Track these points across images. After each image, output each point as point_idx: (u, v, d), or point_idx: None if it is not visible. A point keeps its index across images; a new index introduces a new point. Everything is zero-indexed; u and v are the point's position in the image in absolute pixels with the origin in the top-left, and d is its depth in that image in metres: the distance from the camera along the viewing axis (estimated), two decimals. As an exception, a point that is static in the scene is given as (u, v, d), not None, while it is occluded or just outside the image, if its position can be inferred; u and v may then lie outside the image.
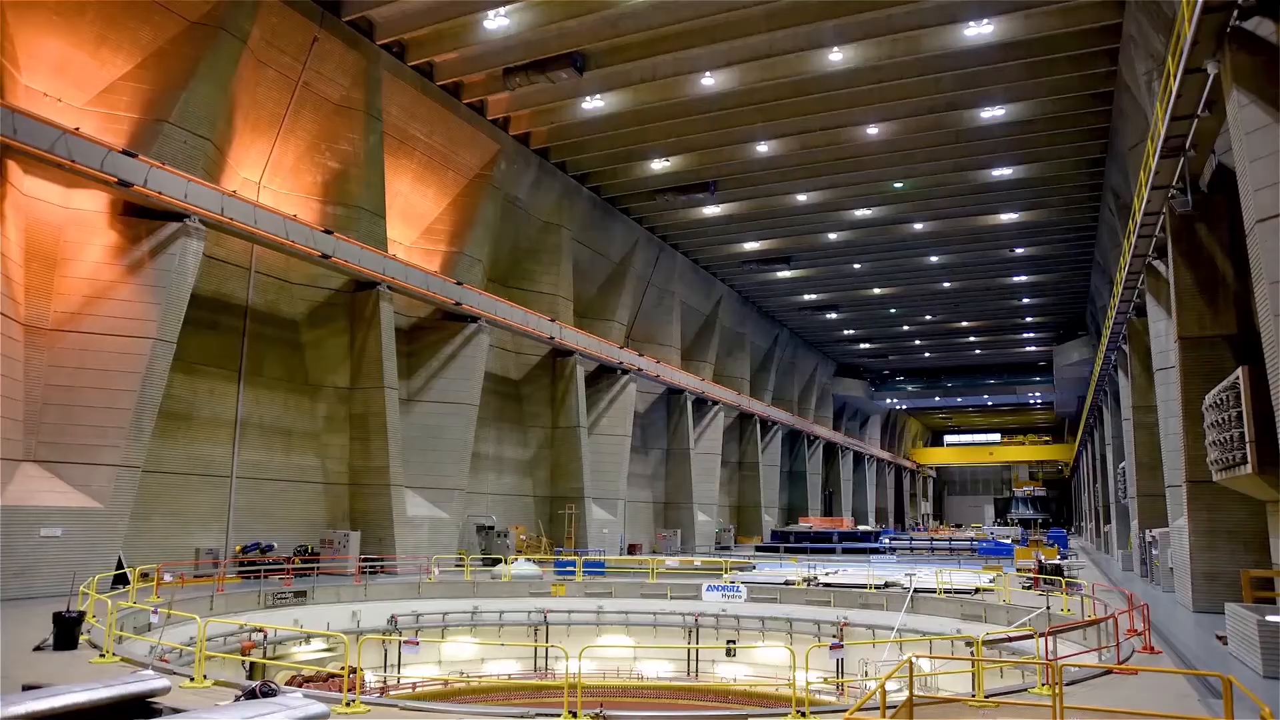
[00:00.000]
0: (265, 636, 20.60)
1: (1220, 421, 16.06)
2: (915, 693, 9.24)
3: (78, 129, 20.55)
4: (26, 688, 9.40)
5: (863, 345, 77.41)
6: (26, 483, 20.36)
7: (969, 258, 51.75)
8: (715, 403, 55.87)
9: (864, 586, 26.89)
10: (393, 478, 29.77)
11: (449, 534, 31.89)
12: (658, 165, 39.29)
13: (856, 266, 54.16)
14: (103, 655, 12.81)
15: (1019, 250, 49.81)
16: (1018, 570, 28.92)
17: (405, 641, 15.52)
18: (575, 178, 40.36)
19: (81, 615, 14.46)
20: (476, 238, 35.44)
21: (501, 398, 38.97)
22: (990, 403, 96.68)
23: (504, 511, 37.70)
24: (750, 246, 49.62)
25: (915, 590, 24.97)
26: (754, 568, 34.60)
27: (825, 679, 21.26)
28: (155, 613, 16.53)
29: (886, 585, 26.93)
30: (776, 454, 67.71)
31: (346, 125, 29.51)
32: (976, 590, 25.41)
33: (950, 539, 56.46)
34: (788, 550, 46.51)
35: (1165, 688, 11.43)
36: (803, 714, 10.39)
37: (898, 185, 40.59)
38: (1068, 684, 11.15)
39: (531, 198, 38.56)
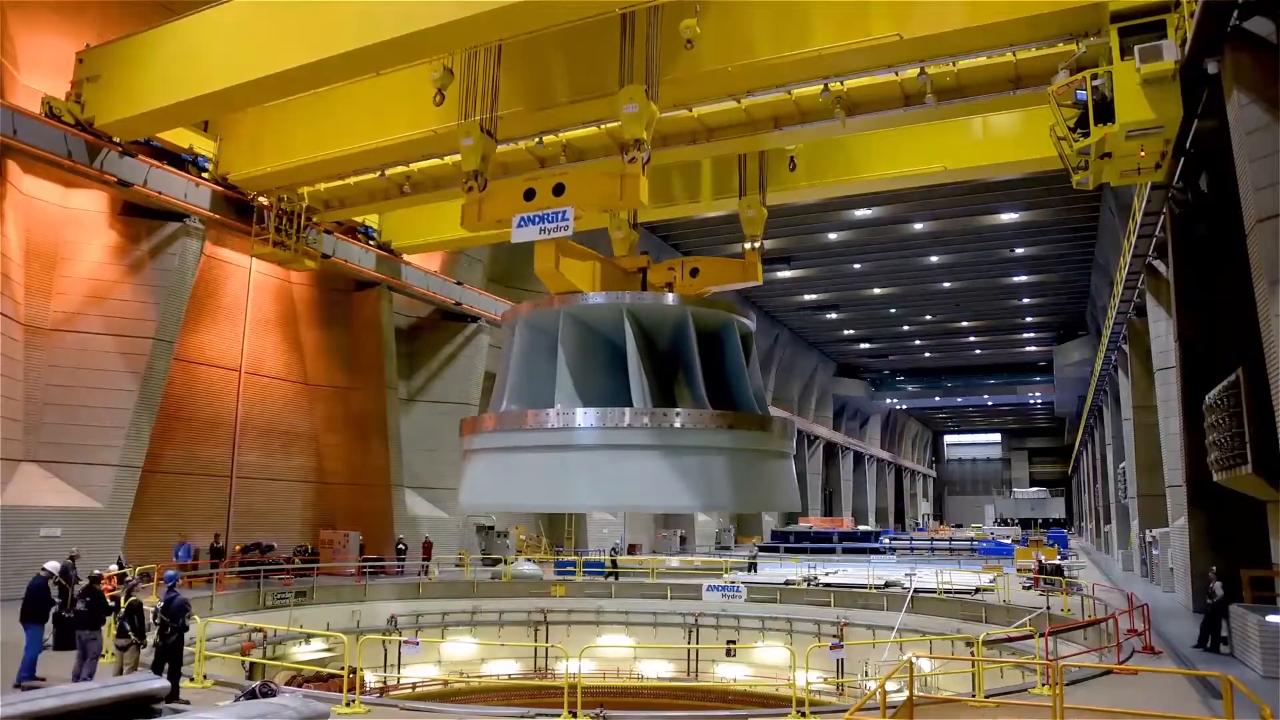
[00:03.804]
0: (265, 636, 20.61)
1: (1220, 421, 16.05)
2: (915, 693, 9.25)
3: (78, 128, 20.54)
4: (27, 688, 9.41)
5: (863, 345, 77.36)
6: (26, 483, 20.36)
7: (969, 258, 51.71)
8: (715, 403, 55.69)
9: (864, 586, 26.90)
10: (393, 478, 29.79)
11: (449, 534, 31.88)
12: (657, 165, 39.12)
13: (856, 266, 54.12)
14: (103, 655, 12.81)
15: (1019, 250, 49.79)
16: (1018, 570, 28.92)
17: (405, 641, 15.54)
18: (575, 177, 40.15)
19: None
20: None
21: (501, 398, 38.95)
22: (990, 403, 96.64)
23: (504, 512, 37.67)
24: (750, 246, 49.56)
25: (915, 590, 24.97)
26: (754, 568, 34.59)
27: (825, 679, 21.25)
28: (155, 613, 16.50)
29: (886, 585, 26.94)
30: (776, 454, 67.61)
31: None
32: (976, 590, 25.41)
33: (950, 539, 56.41)
34: (788, 550, 46.48)
35: (1165, 688, 11.44)
36: (803, 714, 10.39)
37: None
38: (1068, 684, 11.15)
39: (531, 198, 38.42)
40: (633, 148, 14.19)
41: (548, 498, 11.94)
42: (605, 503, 11.50)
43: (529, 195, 14.39)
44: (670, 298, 14.43)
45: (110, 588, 15.17)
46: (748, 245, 18.83)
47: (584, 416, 11.20)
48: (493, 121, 16.53)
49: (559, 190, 14.13)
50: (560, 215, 14.08)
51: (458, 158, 17.11)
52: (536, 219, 14.30)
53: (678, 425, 12.38)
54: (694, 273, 17.31)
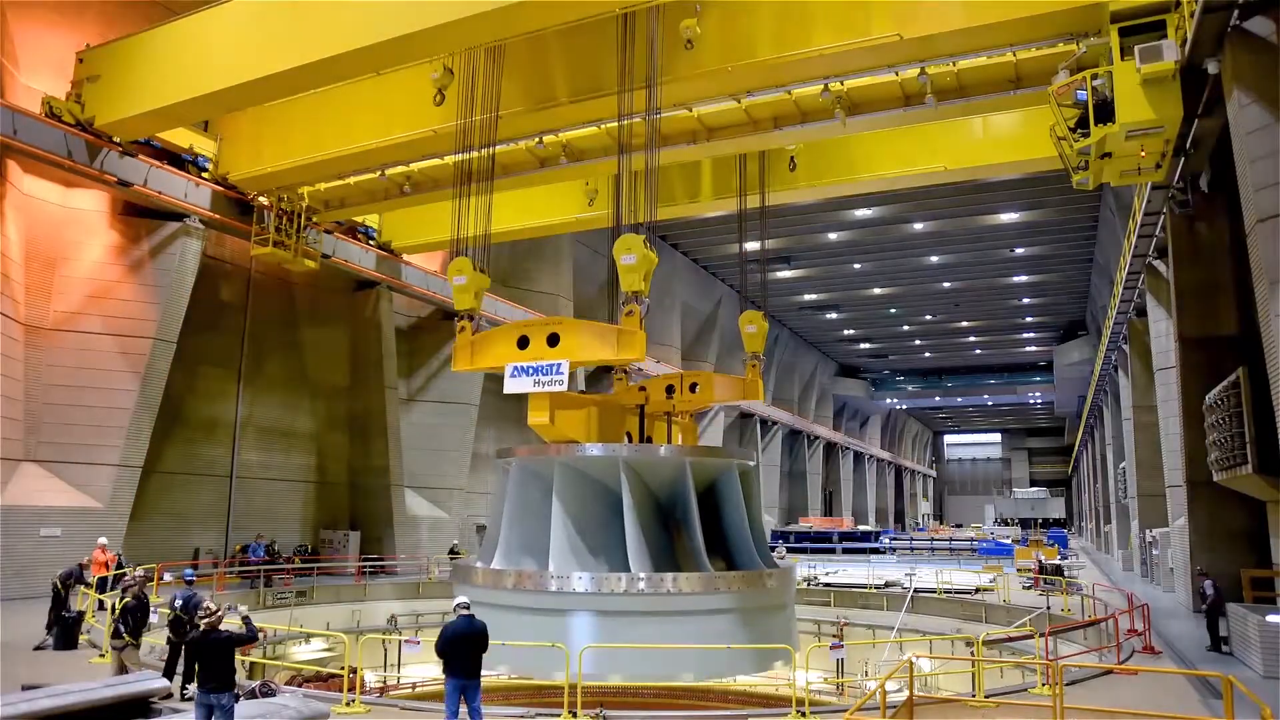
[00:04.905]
0: (265, 636, 20.60)
1: (1220, 421, 16.05)
2: (915, 693, 9.25)
3: (78, 128, 20.55)
4: (26, 688, 9.41)
5: (863, 345, 77.37)
6: (26, 483, 20.35)
7: (969, 258, 51.72)
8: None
9: (864, 586, 26.90)
10: (393, 478, 29.79)
11: (449, 534, 31.90)
12: (657, 165, 39.05)
13: (856, 266, 54.14)
14: (103, 655, 12.82)
15: (1019, 250, 49.80)
16: (1018, 570, 28.93)
17: (405, 641, 15.50)
18: (575, 177, 40.10)
19: (81, 615, 14.49)
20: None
21: (501, 397, 38.90)
22: (990, 403, 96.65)
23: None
24: (751, 246, 49.53)
25: (915, 590, 24.98)
26: None
27: (825, 679, 21.24)
28: (155, 613, 16.51)
29: (886, 585, 26.94)
30: (776, 454, 67.64)
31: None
32: (976, 590, 25.42)
33: (950, 539, 56.41)
34: (788, 550, 46.51)
35: (1165, 688, 11.44)
36: (803, 714, 10.39)
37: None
38: (1068, 684, 11.15)
39: (531, 198, 38.40)
40: (630, 299, 13.55)
41: (540, 665, 11.39)
42: (602, 672, 11.09)
43: (522, 343, 13.86)
44: (664, 450, 14.21)
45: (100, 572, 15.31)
46: (749, 361, 18.62)
47: (579, 581, 10.73)
48: (493, 123, 16.51)
49: (553, 340, 13.65)
50: (555, 368, 13.54)
51: (458, 158, 17.07)
52: (531, 370, 13.66)
53: (673, 591, 12.22)
54: (693, 388, 17.18)
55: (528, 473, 14.18)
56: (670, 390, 17.23)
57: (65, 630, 13.94)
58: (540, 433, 14.33)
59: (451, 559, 29.11)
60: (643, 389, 16.59)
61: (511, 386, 13.70)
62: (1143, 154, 14.39)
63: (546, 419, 13.74)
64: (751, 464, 15.06)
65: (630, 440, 15.97)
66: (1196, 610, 18.65)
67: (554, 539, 12.67)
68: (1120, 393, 35.43)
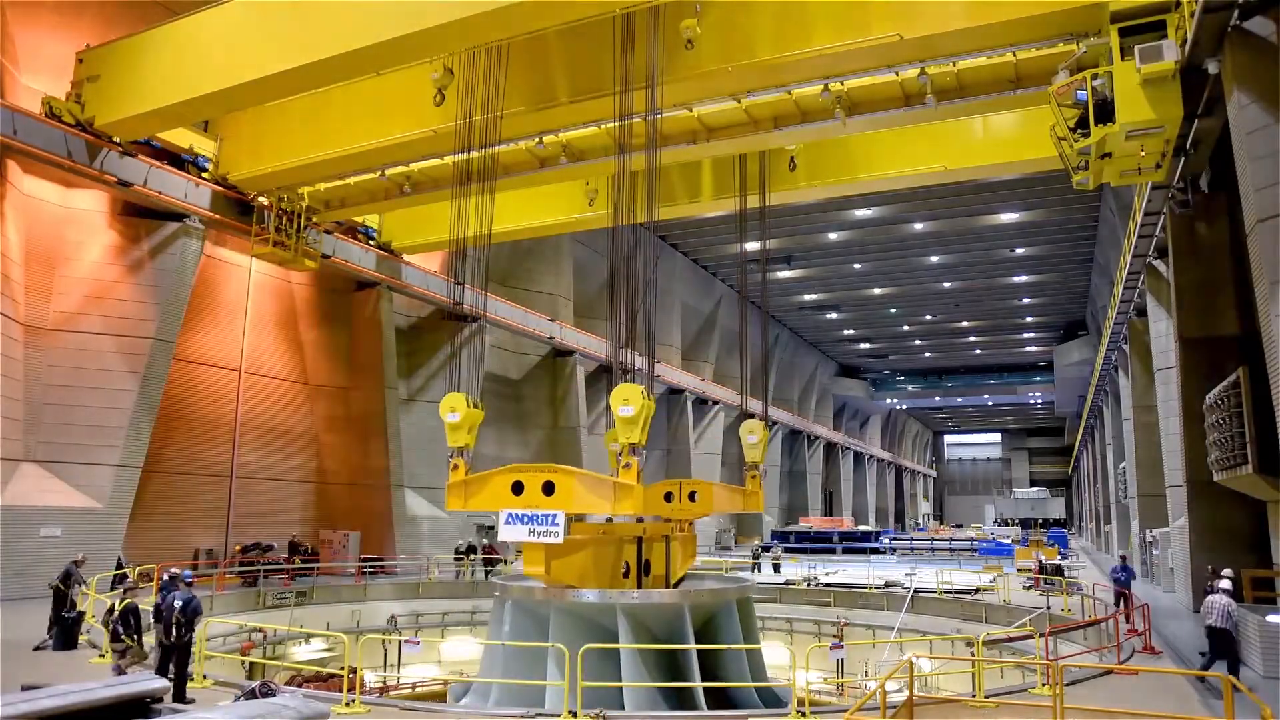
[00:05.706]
0: (265, 636, 20.61)
1: (1220, 421, 16.05)
2: (915, 693, 9.25)
3: (78, 128, 20.55)
4: (26, 688, 9.41)
5: (863, 345, 77.37)
6: (26, 483, 20.35)
7: (969, 258, 51.72)
8: (715, 402, 55.86)
9: (864, 586, 26.89)
10: (393, 478, 29.79)
11: (449, 534, 31.88)
12: (657, 165, 39.04)
13: (856, 266, 54.14)
14: (102, 655, 12.82)
15: (1019, 250, 49.80)
16: (1018, 570, 28.93)
17: (406, 641, 15.49)
18: (575, 178, 40.08)
19: (81, 615, 14.49)
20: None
21: (501, 398, 38.96)
22: (990, 403, 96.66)
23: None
24: (751, 246, 49.58)
25: (915, 590, 24.97)
26: (778, 568, 34.63)
27: (825, 679, 21.23)
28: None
29: (886, 585, 26.94)
30: (776, 454, 67.63)
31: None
32: (976, 590, 25.42)
33: (950, 539, 56.41)
34: (788, 550, 46.51)
35: (1165, 688, 11.44)
36: (803, 714, 10.39)
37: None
38: (1068, 684, 11.15)
39: (531, 198, 38.37)
40: (627, 452, 13.14)
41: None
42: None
43: (517, 489, 13.45)
44: (660, 594, 14.11)
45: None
46: (749, 472, 18.27)
47: None
48: (493, 123, 16.50)
49: (549, 489, 13.27)
50: (550, 519, 13.10)
51: (458, 158, 17.06)
52: (526, 519, 13.23)
53: None
54: (692, 496, 16.98)
55: (523, 609, 14.25)
56: (669, 497, 17.07)
57: (65, 630, 13.94)
58: (536, 579, 14.26)
59: (456, 560, 29.07)
60: (640, 519, 16.48)
61: (506, 534, 13.38)
62: (1143, 154, 14.31)
63: (542, 570, 13.60)
64: (750, 593, 15.14)
65: (628, 570, 15.75)
66: (1198, 610, 18.63)
67: (549, 689, 12.81)
68: (1120, 393, 35.42)
